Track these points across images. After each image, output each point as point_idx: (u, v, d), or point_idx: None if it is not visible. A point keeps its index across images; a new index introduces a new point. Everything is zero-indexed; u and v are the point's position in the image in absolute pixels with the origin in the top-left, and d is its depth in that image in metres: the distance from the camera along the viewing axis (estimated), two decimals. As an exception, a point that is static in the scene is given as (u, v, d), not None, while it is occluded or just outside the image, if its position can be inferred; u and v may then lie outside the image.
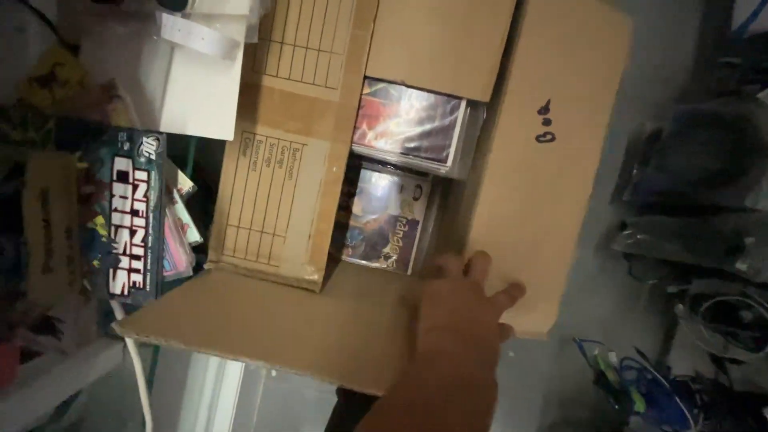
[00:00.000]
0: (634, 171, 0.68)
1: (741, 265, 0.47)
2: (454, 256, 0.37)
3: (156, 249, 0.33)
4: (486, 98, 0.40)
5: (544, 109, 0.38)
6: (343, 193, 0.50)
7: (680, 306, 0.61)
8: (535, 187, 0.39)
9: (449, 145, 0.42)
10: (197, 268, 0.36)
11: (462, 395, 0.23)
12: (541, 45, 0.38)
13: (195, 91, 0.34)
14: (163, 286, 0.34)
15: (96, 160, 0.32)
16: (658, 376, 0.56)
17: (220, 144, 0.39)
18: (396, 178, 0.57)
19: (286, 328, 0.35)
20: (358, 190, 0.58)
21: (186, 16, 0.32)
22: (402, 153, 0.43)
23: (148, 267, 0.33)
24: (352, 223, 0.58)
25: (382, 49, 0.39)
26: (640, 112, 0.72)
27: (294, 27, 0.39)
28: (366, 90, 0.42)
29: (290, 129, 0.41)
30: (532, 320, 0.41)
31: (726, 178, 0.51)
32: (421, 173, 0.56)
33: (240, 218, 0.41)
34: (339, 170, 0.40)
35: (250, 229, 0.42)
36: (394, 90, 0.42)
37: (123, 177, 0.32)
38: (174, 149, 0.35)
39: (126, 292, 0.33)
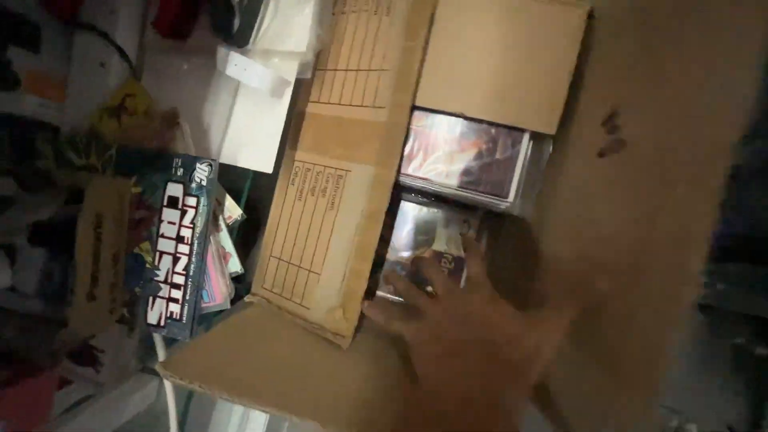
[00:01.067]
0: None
1: None
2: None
3: (197, 279, 0.31)
4: (552, 131, 0.37)
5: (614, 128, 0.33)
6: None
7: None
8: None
9: (511, 180, 0.39)
10: (235, 299, 0.34)
11: None
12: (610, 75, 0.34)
13: (249, 124, 0.34)
14: (199, 319, 0.32)
15: (150, 186, 0.32)
16: None
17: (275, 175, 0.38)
18: (441, 212, 0.54)
19: (311, 382, 0.32)
20: (398, 222, 0.55)
21: (246, 52, 0.33)
22: (459, 187, 0.40)
23: (187, 297, 0.31)
24: (390, 257, 0.55)
25: (438, 81, 0.38)
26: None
27: (347, 54, 0.39)
28: (421, 122, 0.40)
29: (337, 155, 0.40)
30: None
31: None
32: (468, 206, 0.53)
33: (282, 250, 0.40)
34: (383, 198, 0.38)
35: (289, 262, 0.40)
36: (451, 122, 0.40)
37: (173, 203, 0.32)
38: (230, 182, 0.35)
39: (162, 323, 0.32)
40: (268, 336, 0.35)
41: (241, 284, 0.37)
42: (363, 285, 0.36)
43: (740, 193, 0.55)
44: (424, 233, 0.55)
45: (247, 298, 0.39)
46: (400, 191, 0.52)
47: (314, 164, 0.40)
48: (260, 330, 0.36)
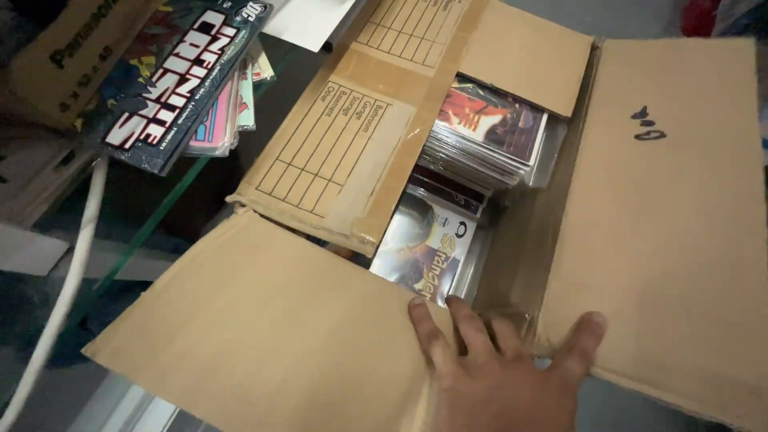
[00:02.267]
0: None
1: None
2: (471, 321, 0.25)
3: (202, 103, 0.24)
4: (568, 114, 0.39)
5: (641, 114, 0.36)
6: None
7: None
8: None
9: (532, 147, 0.39)
10: (233, 164, 0.26)
11: None
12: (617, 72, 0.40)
13: (309, 9, 0.33)
14: (179, 159, 0.24)
15: (183, 8, 0.27)
16: None
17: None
18: (439, 208, 0.51)
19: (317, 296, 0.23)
20: (395, 212, 0.50)
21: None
22: (484, 143, 0.39)
23: (179, 121, 0.23)
24: (382, 248, 0.48)
25: (479, 55, 0.42)
26: None
27: (405, 17, 0.43)
28: (455, 84, 0.41)
29: (378, 90, 0.38)
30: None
31: None
32: (467, 206, 0.50)
33: (294, 156, 0.33)
34: (423, 132, 0.36)
35: (302, 169, 0.33)
36: (482, 91, 0.42)
37: (206, 28, 0.27)
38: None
39: (128, 145, 0.23)
40: (258, 243, 0.26)
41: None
42: (394, 200, 0.31)
43: None
44: (419, 227, 0.50)
45: (228, 198, 0.30)
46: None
47: (352, 90, 0.38)
48: (248, 238, 0.27)
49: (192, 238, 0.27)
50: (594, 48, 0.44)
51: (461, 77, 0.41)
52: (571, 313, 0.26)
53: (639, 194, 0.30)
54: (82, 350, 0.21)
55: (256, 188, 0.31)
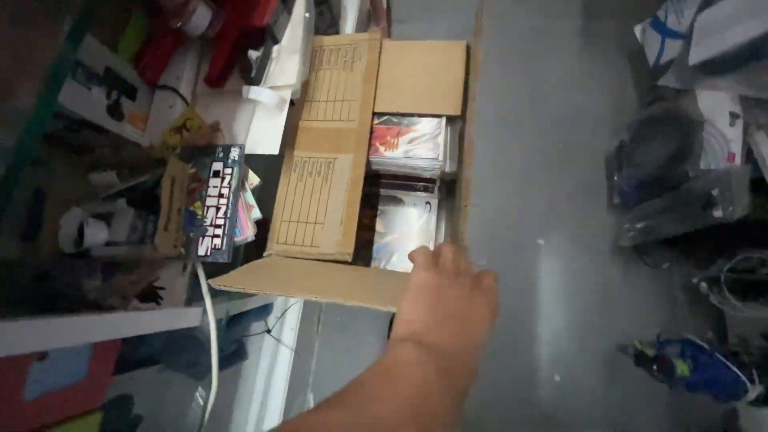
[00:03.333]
0: (615, 177, 0.77)
1: (717, 213, 0.51)
2: (450, 248, 0.33)
3: (232, 219, 0.46)
4: (458, 112, 0.56)
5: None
6: (367, 216, 0.64)
7: (703, 284, 0.60)
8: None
9: (438, 146, 0.57)
10: (257, 238, 0.48)
11: None
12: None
13: (262, 127, 0.53)
14: (234, 249, 0.46)
15: (201, 166, 0.49)
16: (699, 341, 0.52)
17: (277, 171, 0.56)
18: (408, 198, 0.70)
19: (327, 279, 0.44)
20: (380, 212, 0.70)
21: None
22: (405, 157, 0.57)
23: (226, 231, 0.46)
24: (377, 240, 0.69)
25: (385, 92, 0.59)
26: (607, 134, 0.86)
27: (326, 89, 0.61)
28: (375, 121, 0.59)
29: (325, 150, 0.58)
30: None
31: (680, 154, 0.59)
32: (426, 189, 0.69)
33: (290, 215, 0.55)
34: (360, 170, 0.55)
35: (297, 221, 0.54)
36: (395, 119, 0.59)
37: (216, 174, 0.48)
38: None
39: (208, 253, 0.45)
40: (287, 265, 0.48)
41: (262, 229, 0.50)
42: (355, 223, 0.52)
43: (630, 156, 0.73)
44: (402, 216, 0.70)
45: (265, 254, 0.53)
46: (379, 188, 0.69)
47: (309, 157, 0.58)
48: (280, 263, 0.49)
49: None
50: (468, 49, 0.59)
51: (379, 114, 0.59)
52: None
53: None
54: (210, 281, 0.44)
55: (276, 243, 0.53)
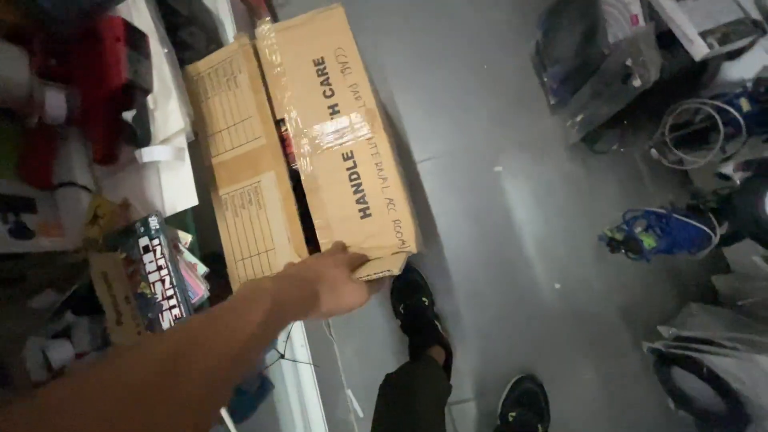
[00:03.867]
0: (544, 79, 0.75)
1: (636, 82, 0.50)
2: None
3: (180, 285, 0.46)
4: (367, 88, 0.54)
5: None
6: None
7: (653, 150, 0.61)
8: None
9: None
10: (212, 290, 0.48)
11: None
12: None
13: (172, 184, 0.51)
14: (195, 310, 0.46)
15: (129, 248, 0.48)
16: (657, 210, 0.53)
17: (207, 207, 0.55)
18: None
19: None
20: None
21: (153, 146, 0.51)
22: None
23: (180, 300, 0.46)
24: None
25: (280, 97, 0.56)
26: (525, 38, 0.82)
27: (222, 119, 0.58)
28: (283, 129, 0.57)
29: (245, 177, 0.56)
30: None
31: (588, 34, 0.57)
32: None
33: (241, 252, 0.55)
34: (286, 184, 0.54)
35: (250, 256, 0.54)
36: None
37: (146, 249, 0.47)
38: (180, 224, 0.51)
39: (173, 324, 0.45)
40: None
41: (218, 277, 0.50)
42: (301, 235, 0.51)
43: (547, 51, 0.70)
44: None
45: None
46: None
47: (235, 190, 0.57)
48: None
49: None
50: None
51: (282, 121, 0.57)
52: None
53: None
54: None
55: (238, 283, 0.53)
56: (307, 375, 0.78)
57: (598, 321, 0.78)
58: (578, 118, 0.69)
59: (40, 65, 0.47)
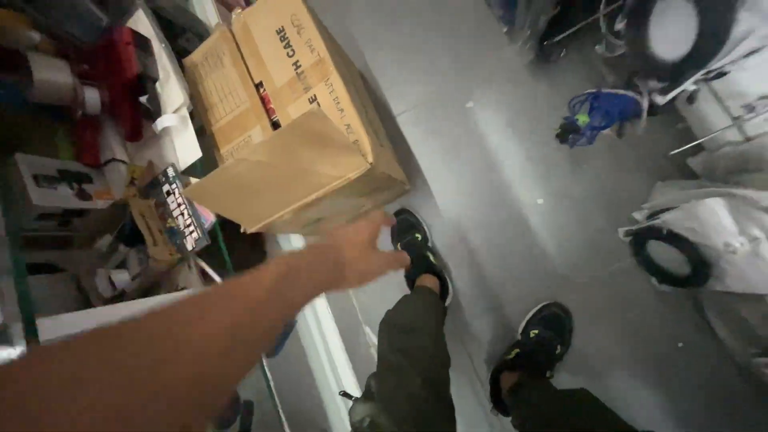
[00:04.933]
0: (492, 9, 0.81)
1: None
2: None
3: (195, 215, 0.59)
4: (326, 54, 0.65)
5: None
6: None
7: (597, 47, 0.65)
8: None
9: None
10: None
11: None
12: None
13: (182, 143, 0.66)
14: (209, 233, 0.59)
15: (157, 195, 0.62)
16: (592, 90, 0.58)
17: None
18: None
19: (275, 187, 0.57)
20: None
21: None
22: None
23: (196, 225, 0.59)
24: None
25: (256, 66, 0.69)
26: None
27: (214, 93, 0.72)
28: (261, 91, 0.70)
29: (238, 135, 0.69)
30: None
31: None
32: None
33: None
34: (270, 132, 0.66)
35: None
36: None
37: (168, 193, 0.62)
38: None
39: (195, 245, 0.59)
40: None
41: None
42: None
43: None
44: None
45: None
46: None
47: (233, 146, 0.70)
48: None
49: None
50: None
51: (259, 85, 0.70)
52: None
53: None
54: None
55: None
56: (325, 313, 0.90)
57: (584, 228, 0.82)
58: (527, 34, 0.75)
59: (78, 70, 0.63)
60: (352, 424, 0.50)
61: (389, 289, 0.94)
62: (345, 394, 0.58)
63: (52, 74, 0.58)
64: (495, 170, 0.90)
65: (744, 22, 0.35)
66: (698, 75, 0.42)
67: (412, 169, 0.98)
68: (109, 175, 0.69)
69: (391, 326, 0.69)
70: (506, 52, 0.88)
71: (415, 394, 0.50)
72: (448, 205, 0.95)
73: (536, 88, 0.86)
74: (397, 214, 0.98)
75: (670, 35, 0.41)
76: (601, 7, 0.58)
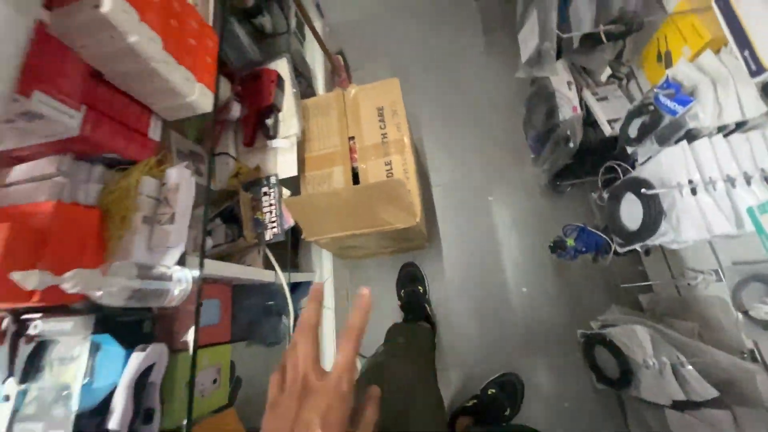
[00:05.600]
0: (527, 139, 1.10)
1: (571, 145, 0.83)
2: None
3: (280, 215, 0.79)
4: (406, 134, 0.90)
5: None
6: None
7: (592, 194, 0.91)
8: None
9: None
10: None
11: None
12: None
13: (284, 160, 0.88)
14: (285, 232, 0.79)
15: (256, 191, 0.83)
16: (580, 224, 0.82)
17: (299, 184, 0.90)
18: None
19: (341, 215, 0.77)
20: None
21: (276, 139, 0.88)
22: None
23: (279, 223, 0.79)
24: None
25: (351, 124, 0.93)
26: (517, 114, 1.19)
27: (315, 132, 0.95)
28: (350, 142, 0.93)
29: (324, 168, 0.92)
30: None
31: (549, 113, 0.92)
32: None
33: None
34: (349, 175, 0.88)
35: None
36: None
37: (265, 194, 0.82)
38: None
39: (272, 237, 0.78)
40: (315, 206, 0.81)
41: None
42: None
43: (528, 120, 1.05)
44: None
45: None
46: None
47: (316, 174, 0.92)
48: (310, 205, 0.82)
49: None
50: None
51: (351, 137, 0.93)
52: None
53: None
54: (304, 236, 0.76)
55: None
56: (329, 320, 1.05)
57: (552, 320, 1.02)
58: (545, 167, 1.01)
59: (234, 88, 0.87)
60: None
61: (382, 321, 1.11)
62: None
63: (223, 89, 0.81)
64: (496, 254, 1.12)
65: (663, 225, 0.59)
66: (640, 244, 0.66)
67: (433, 231, 1.20)
68: (219, 164, 0.89)
69: (398, 329, 0.91)
70: (527, 171, 1.15)
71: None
72: (450, 269, 1.15)
73: (543, 205, 1.11)
74: (406, 266, 1.18)
75: (631, 215, 0.66)
76: (600, 173, 0.84)
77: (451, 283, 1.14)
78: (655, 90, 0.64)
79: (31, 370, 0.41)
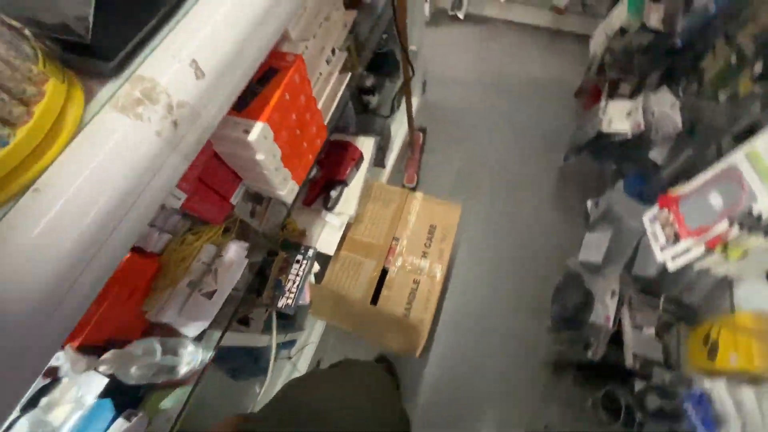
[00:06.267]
0: (552, 314, 1.10)
1: (589, 353, 0.83)
2: None
3: (300, 290, 0.82)
4: (446, 260, 0.93)
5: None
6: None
7: (590, 403, 0.90)
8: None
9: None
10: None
11: None
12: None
13: (328, 236, 0.91)
14: (297, 308, 0.82)
15: (290, 254, 0.86)
16: None
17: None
18: None
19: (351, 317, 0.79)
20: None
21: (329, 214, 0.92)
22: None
23: (295, 297, 0.82)
24: None
25: (400, 226, 0.97)
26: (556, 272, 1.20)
27: (368, 216, 0.99)
28: (392, 242, 0.97)
29: (359, 253, 0.95)
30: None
31: (582, 307, 0.93)
32: None
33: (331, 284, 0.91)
34: (377, 273, 0.91)
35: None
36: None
37: (297, 261, 0.86)
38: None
39: (283, 306, 0.81)
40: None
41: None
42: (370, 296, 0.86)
43: (558, 296, 1.06)
44: None
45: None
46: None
47: (349, 256, 0.95)
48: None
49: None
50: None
51: (395, 238, 0.97)
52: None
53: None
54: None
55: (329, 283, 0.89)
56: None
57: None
58: (557, 347, 1.01)
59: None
60: None
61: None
62: None
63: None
64: (478, 401, 1.11)
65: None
66: None
67: (427, 343, 1.20)
68: (273, 205, 0.94)
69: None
70: (542, 336, 1.15)
71: None
72: (427, 387, 1.15)
73: (540, 383, 1.10)
74: (383, 359, 1.17)
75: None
76: (602, 394, 0.83)
77: (422, 397, 1.13)
78: (685, 401, 0.65)
79: (31, 402, 0.44)
